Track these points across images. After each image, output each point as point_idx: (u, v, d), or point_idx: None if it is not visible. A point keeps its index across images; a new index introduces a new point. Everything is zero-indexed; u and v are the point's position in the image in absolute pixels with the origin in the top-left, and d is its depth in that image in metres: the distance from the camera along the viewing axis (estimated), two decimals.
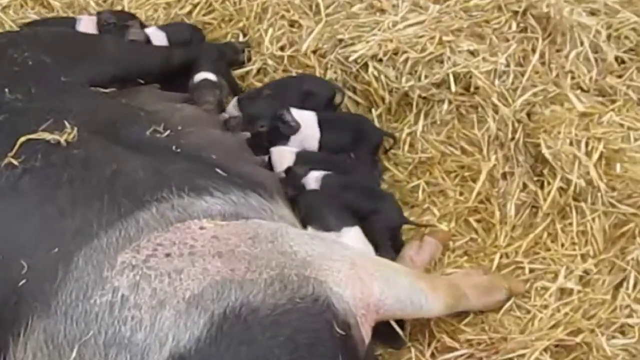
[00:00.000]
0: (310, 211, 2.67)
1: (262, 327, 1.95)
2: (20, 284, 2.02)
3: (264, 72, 3.31)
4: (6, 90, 2.47)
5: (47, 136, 2.27)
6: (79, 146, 2.28)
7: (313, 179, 2.78)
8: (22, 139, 2.24)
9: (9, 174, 2.19)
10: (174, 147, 2.41)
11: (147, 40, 3.19)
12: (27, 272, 2.03)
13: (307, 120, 2.95)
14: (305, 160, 2.87)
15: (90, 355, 1.95)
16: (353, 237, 2.61)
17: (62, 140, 2.27)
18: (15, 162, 2.20)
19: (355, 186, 2.84)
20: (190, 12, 3.40)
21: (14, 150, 2.22)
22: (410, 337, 2.48)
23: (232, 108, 3.00)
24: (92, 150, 2.29)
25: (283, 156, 2.88)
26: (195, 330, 1.93)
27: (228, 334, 1.93)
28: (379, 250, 2.63)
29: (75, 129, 2.30)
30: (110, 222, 2.09)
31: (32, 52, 2.68)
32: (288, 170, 2.80)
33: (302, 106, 3.03)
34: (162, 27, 3.28)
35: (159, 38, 3.20)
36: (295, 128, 2.91)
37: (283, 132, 2.91)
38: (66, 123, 2.31)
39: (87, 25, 3.18)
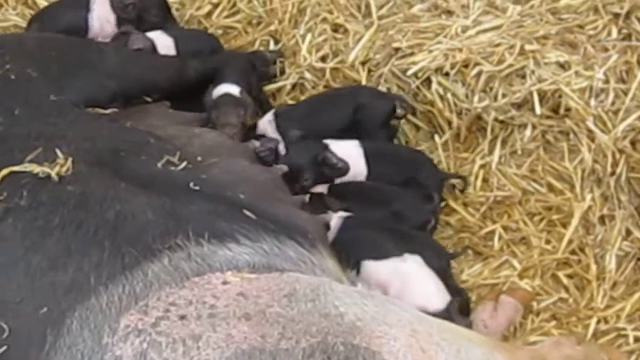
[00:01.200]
0: (360, 242, 2.73)
1: None
2: (0, 351, 2.05)
3: (300, 88, 3.35)
4: None
5: (35, 168, 2.28)
6: (74, 181, 2.29)
7: (335, 217, 2.82)
8: (4, 171, 2.26)
9: None
10: (191, 184, 2.41)
11: (153, 47, 3.21)
12: (9, 337, 2.04)
13: (351, 157, 2.99)
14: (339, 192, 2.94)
15: None
16: (418, 264, 2.68)
17: (53, 173, 2.28)
18: None
19: (384, 231, 2.86)
20: (209, 14, 3.44)
21: None
22: None
23: (266, 126, 3.06)
24: (90, 186, 2.30)
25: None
26: None
27: None
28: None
29: (70, 159, 2.31)
30: (111, 275, 2.09)
31: (15, 64, 2.71)
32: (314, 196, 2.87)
33: (351, 125, 3.09)
34: (170, 32, 3.31)
35: (165, 44, 3.21)
36: (344, 169, 2.96)
37: (330, 175, 2.96)
38: (58, 152, 2.33)
39: (101, 7, 3.25)
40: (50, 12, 3.38)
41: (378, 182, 3.01)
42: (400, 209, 2.87)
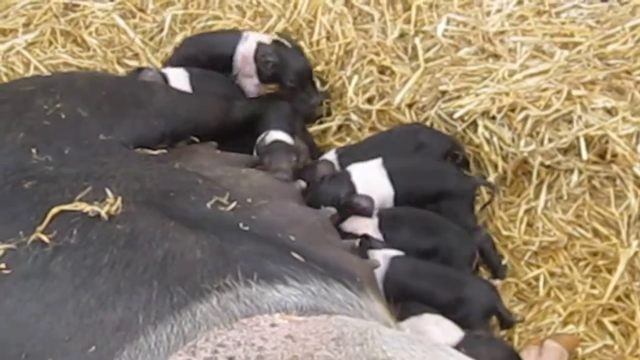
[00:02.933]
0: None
1: None
2: None
3: (346, 130, 3.36)
4: (34, 150, 2.51)
5: (85, 207, 2.28)
6: (123, 220, 2.29)
7: (381, 257, 2.80)
8: (54, 210, 2.26)
9: (38, 253, 2.20)
10: (241, 224, 2.39)
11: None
12: None
13: (374, 178, 3.00)
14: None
15: None
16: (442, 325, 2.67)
17: (102, 212, 2.27)
18: (45, 238, 2.21)
19: (432, 272, 2.86)
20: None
21: (44, 224, 2.23)
22: None
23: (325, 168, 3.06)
24: (139, 225, 2.29)
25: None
26: None
27: None
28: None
29: (119, 198, 2.31)
30: (160, 315, 2.08)
31: (66, 103, 2.71)
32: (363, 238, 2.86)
33: None
34: (188, 69, 3.29)
35: (177, 79, 3.19)
36: (369, 210, 2.95)
37: (359, 213, 2.94)
38: (108, 192, 2.32)
39: (248, 46, 3.26)
40: (206, 38, 3.42)
41: (409, 197, 3.00)
42: (448, 241, 2.86)
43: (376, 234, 2.92)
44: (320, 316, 2.19)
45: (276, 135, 3.08)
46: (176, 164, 2.71)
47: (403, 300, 2.74)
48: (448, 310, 2.75)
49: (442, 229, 2.94)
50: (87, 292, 2.16)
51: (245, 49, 3.23)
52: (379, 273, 2.75)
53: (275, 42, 3.24)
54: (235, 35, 3.31)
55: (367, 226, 2.91)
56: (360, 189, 2.96)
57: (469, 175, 3.12)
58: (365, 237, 2.85)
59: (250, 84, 3.30)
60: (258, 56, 3.19)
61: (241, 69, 3.27)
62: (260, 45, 3.22)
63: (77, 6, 3.53)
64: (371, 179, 2.98)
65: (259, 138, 3.11)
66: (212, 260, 2.24)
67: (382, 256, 2.80)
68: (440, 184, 3.04)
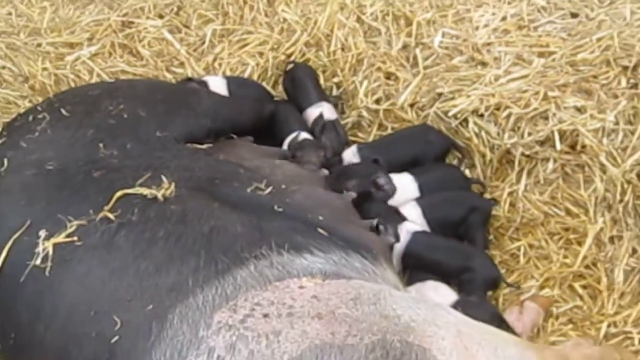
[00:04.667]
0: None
1: None
2: (113, 340, 2.04)
3: (358, 126, 3.35)
4: (101, 145, 2.51)
5: (144, 191, 2.30)
6: (176, 202, 2.30)
7: (405, 231, 2.80)
8: (119, 193, 2.28)
9: (105, 229, 2.22)
10: (275, 206, 2.40)
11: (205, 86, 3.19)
12: (121, 329, 2.05)
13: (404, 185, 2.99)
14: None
15: None
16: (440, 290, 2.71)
17: (159, 195, 2.29)
18: (111, 216, 2.23)
19: (447, 245, 2.87)
20: (285, 61, 3.42)
21: (110, 205, 2.25)
22: None
23: (351, 157, 3.09)
24: (189, 205, 2.31)
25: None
26: None
27: None
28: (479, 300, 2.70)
29: (173, 184, 2.33)
30: (206, 279, 2.10)
31: (128, 105, 2.70)
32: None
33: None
34: (226, 77, 3.30)
35: (217, 86, 3.19)
36: (389, 193, 2.95)
37: (376, 196, 2.93)
38: (163, 178, 2.34)
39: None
40: None
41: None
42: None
43: (420, 219, 2.92)
44: (340, 280, 2.21)
45: (306, 134, 3.09)
46: (220, 155, 2.73)
47: (420, 268, 2.79)
48: (455, 275, 2.78)
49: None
50: (145, 260, 2.18)
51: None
52: (401, 244, 2.78)
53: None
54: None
55: (413, 214, 2.91)
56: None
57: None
58: (397, 213, 2.86)
59: None
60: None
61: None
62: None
63: (132, 23, 3.55)
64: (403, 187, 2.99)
65: (291, 136, 3.12)
66: (250, 234, 2.26)
67: (406, 230, 2.80)
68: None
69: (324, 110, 3.17)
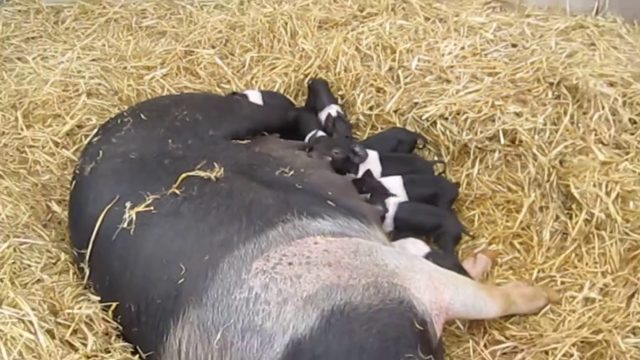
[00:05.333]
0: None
1: (360, 322, 1.96)
2: (180, 282, 2.07)
3: (356, 127, 3.32)
4: (170, 140, 2.51)
5: (201, 174, 2.31)
6: (224, 181, 2.32)
7: (393, 204, 2.78)
8: (183, 175, 2.29)
9: (173, 201, 2.24)
10: (296, 184, 2.41)
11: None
12: (185, 273, 2.08)
13: (372, 158, 2.96)
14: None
15: (230, 338, 1.98)
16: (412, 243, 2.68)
17: (212, 176, 2.31)
18: (177, 192, 2.25)
19: (425, 210, 2.85)
20: (304, 79, 3.40)
21: (176, 184, 2.27)
22: (469, 331, 2.48)
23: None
24: (234, 184, 2.31)
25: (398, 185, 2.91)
26: (309, 322, 1.95)
27: (334, 326, 1.94)
28: (446, 253, 2.70)
29: (222, 169, 2.34)
30: (247, 237, 2.12)
31: (189, 111, 2.70)
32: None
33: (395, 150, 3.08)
34: (261, 91, 3.26)
35: (255, 98, 3.15)
36: (363, 158, 2.91)
37: (353, 161, 2.90)
38: (215, 164, 2.35)
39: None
40: None
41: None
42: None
43: (401, 191, 2.89)
44: (344, 238, 2.26)
45: (321, 133, 3.08)
46: (256, 148, 2.72)
47: (406, 228, 2.77)
48: (432, 231, 2.79)
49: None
50: (202, 223, 2.20)
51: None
52: (391, 212, 2.77)
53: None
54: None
55: (395, 184, 2.88)
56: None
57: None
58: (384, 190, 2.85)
59: None
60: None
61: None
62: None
63: (192, 52, 3.53)
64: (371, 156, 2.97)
65: (311, 134, 3.08)
66: (279, 205, 2.29)
67: (393, 202, 2.79)
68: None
69: (333, 109, 3.15)
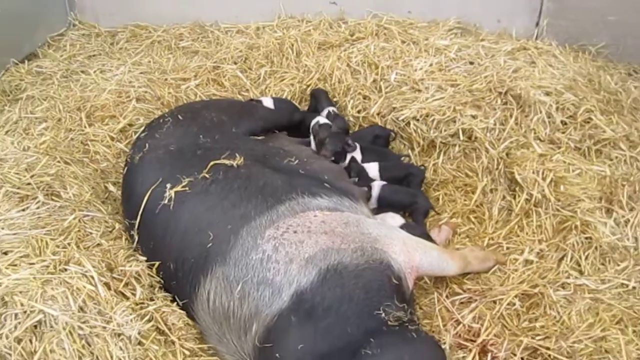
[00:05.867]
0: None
1: (349, 277, 1.97)
2: (209, 245, 2.08)
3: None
4: (201, 136, 2.50)
5: (226, 162, 2.30)
6: (244, 168, 2.30)
7: (377, 186, 2.77)
8: (211, 163, 2.29)
9: (204, 183, 2.23)
10: (300, 170, 2.41)
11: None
12: (213, 239, 2.08)
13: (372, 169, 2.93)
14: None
15: (248, 289, 1.98)
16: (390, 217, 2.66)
17: (234, 164, 2.30)
18: (207, 176, 2.25)
19: (402, 191, 2.83)
20: (306, 89, 3.38)
21: (206, 169, 2.26)
22: (434, 285, 2.48)
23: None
24: (251, 170, 2.30)
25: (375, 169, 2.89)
26: (310, 277, 1.95)
27: (329, 280, 1.95)
28: (417, 224, 2.69)
29: (242, 158, 2.33)
30: (261, 211, 2.12)
31: (216, 113, 2.69)
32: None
33: (373, 142, 3.04)
34: (273, 98, 3.24)
35: (268, 104, 3.13)
36: (353, 147, 2.88)
37: (347, 150, 2.86)
38: (237, 155, 2.34)
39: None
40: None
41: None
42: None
43: (377, 174, 2.87)
44: (337, 212, 2.28)
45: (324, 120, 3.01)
46: (269, 143, 2.71)
47: (387, 205, 2.75)
48: (408, 207, 2.76)
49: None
50: (226, 200, 2.19)
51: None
52: (375, 193, 2.75)
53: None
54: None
55: (373, 169, 2.86)
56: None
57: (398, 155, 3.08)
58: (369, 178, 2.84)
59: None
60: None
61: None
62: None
63: (219, 67, 3.51)
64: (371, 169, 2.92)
65: (313, 122, 2.99)
66: (286, 186, 2.29)
67: (377, 185, 2.77)
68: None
69: (331, 109, 3.12)
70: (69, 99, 3.15)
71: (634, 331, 2.15)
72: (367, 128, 3.13)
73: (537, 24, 3.60)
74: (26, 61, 3.57)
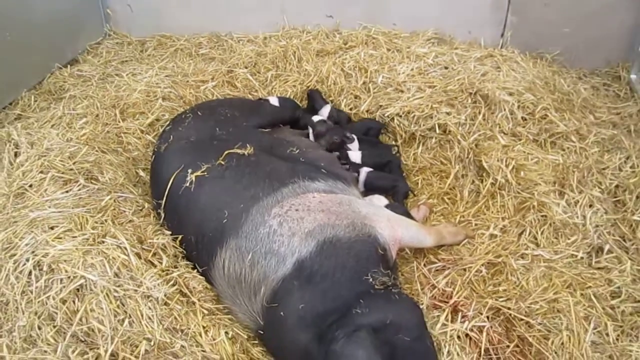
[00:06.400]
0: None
1: (342, 248, 1.96)
2: (224, 221, 2.06)
3: None
4: (217, 129, 2.47)
5: (238, 151, 2.29)
6: (253, 156, 2.28)
7: (364, 172, 2.75)
8: (226, 151, 2.27)
9: (219, 169, 2.21)
10: (301, 159, 2.39)
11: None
12: (227, 216, 2.06)
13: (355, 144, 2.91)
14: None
15: (257, 258, 1.97)
16: (376, 198, 2.65)
17: (245, 153, 2.28)
18: (222, 163, 2.23)
19: (385, 176, 2.81)
20: (306, 90, 3.33)
21: (221, 157, 2.24)
22: (413, 255, 2.47)
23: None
24: (260, 158, 2.28)
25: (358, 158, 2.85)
26: (309, 248, 1.94)
27: (325, 251, 1.94)
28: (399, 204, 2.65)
29: (252, 148, 2.31)
30: (268, 192, 2.10)
31: (230, 110, 2.66)
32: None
33: (365, 134, 3.00)
34: (278, 97, 3.19)
35: (274, 102, 3.08)
36: (352, 139, 2.86)
37: (346, 142, 2.84)
38: (248, 145, 2.32)
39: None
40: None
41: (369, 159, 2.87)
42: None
43: (359, 160, 2.84)
44: (332, 194, 2.26)
45: (319, 118, 3.02)
46: (274, 135, 2.68)
47: (372, 189, 2.72)
48: (390, 190, 2.73)
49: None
50: (239, 184, 2.17)
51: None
52: (362, 178, 2.72)
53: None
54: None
55: (356, 156, 2.83)
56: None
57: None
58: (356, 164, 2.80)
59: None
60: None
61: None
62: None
63: (233, 71, 3.47)
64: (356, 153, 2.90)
65: (313, 119, 2.99)
66: (289, 172, 2.27)
67: (364, 171, 2.75)
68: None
69: (329, 107, 3.09)
70: (105, 97, 3.11)
71: (581, 294, 2.16)
72: (361, 122, 3.10)
73: (502, 35, 3.57)
74: (69, 66, 3.54)
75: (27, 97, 3.22)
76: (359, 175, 2.71)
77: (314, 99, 3.19)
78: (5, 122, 2.99)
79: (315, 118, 2.96)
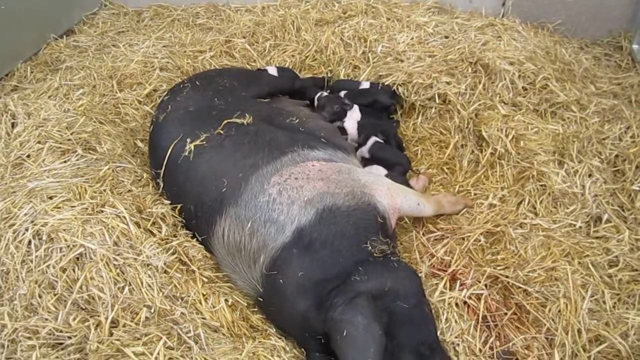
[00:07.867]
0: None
1: (342, 216, 1.95)
2: (223, 190, 2.04)
3: None
4: (216, 99, 2.44)
5: (237, 120, 2.25)
6: (252, 125, 2.25)
7: (370, 141, 2.70)
8: (225, 121, 2.23)
9: (218, 138, 2.18)
10: (300, 128, 2.36)
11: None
12: (227, 185, 2.04)
13: (355, 109, 2.85)
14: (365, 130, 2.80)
15: (256, 226, 1.96)
16: (376, 168, 2.61)
17: (244, 122, 2.25)
18: (221, 132, 2.20)
19: (389, 149, 2.77)
20: (305, 59, 3.29)
21: (220, 126, 2.21)
22: (413, 224, 2.46)
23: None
24: (259, 127, 2.25)
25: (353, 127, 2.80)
26: (308, 217, 1.93)
27: (325, 219, 1.93)
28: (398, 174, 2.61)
29: (251, 117, 2.28)
30: (268, 161, 2.07)
31: (228, 79, 2.63)
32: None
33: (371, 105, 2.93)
34: (277, 67, 3.15)
35: (273, 72, 3.03)
36: (351, 106, 2.81)
37: (345, 109, 2.79)
38: (246, 114, 2.29)
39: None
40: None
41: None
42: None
43: (355, 131, 2.78)
44: (332, 162, 2.24)
45: (325, 93, 2.95)
46: (273, 105, 2.64)
47: (374, 160, 2.68)
48: (392, 166, 2.64)
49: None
50: (238, 152, 2.15)
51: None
52: (368, 146, 2.69)
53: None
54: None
55: (351, 125, 2.78)
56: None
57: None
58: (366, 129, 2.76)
59: None
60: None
61: None
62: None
63: (230, 41, 3.40)
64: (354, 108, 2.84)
65: (318, 94, 2.91)
66: (289, 141, 2.24)
67: (372, 139, 2.71)
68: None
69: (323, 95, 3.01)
70: (102, 68, 3.06)
71: (579, 263, 2.15)
72: (371, 88, 2.98)
73: (504, 4, 3.49)
74: (64, 36, 3.48)
75: (23, 69, 3.17)
76: (367, 140, 2.68)
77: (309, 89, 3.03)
78: (1, 93, 2.95)
79: (324, 93, 2.90)
